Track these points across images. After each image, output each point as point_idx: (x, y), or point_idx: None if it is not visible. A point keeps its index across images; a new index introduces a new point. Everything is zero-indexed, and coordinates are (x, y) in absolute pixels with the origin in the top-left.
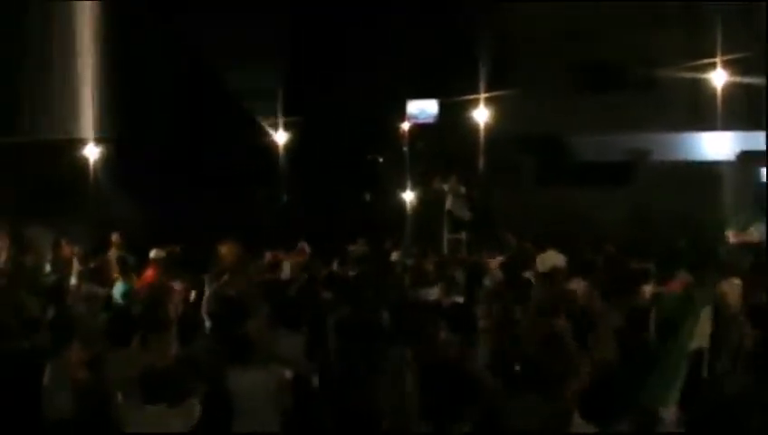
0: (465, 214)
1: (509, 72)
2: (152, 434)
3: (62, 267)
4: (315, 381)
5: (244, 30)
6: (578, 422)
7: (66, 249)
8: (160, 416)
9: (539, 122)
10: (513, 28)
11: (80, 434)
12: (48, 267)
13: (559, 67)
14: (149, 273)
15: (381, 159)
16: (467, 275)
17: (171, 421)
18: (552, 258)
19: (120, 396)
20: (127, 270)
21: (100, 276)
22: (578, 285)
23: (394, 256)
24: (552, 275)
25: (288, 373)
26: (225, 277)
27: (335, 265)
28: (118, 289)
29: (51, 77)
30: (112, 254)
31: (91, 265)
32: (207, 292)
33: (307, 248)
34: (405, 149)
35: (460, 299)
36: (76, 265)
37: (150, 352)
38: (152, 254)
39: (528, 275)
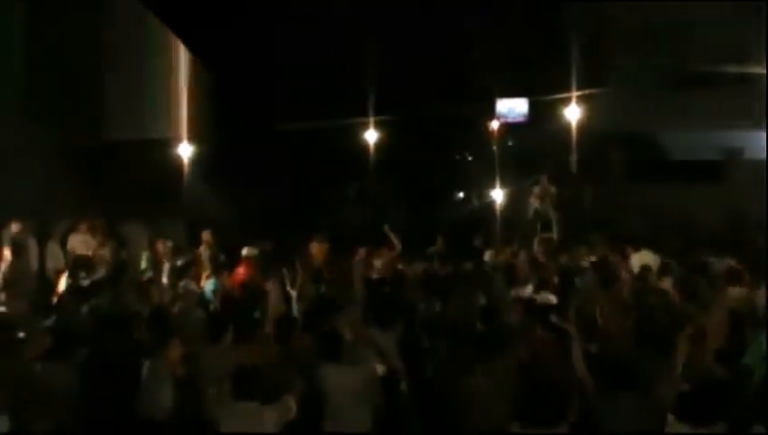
0: (555, 214)
1: (600, 70)
2: (246, 431)
3: (158, 265)
4: (407, 379)
5: (334, 31)
6: (672, 422)
7: (160, 247)
8: (254, 413)
9: (630, 120)
10: (603, 26)
11: (177, 431)
12: (144, 264)
13: (650, 65)
14: (241, 270)
15: (470, 158)
16: (559, 274)
17: (265, 418)
18: (645, 258)
19: (214, 393)
20: (218, 268)
21: (191, 273)
22: (667, 285)
23: (486, 254)
24: (643, 275)
25: (380, 371)
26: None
27: (425, 264)
28: (209, 286)
29: (144, 77)
30: (203, 251)
31: (183, 262)
32: (299, 289)
33: (398, 246)
34: (494, 147)
35: (552, 298)
36: (168, 263)
37: (244, 349)
38: (244, 252)
39: (620, 274)
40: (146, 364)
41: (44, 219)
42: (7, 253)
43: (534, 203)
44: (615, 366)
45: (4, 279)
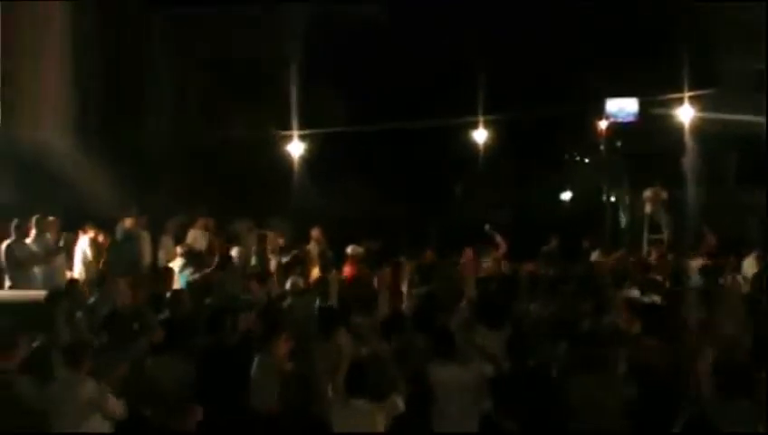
0: (666, 217)
1: (711, 69)
2: (357, 429)
3: (266, 260)
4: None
5: (443, 29)
6: None
7: (271, 242)
8: (364, 410)
9: (742, 121)
10: (713, 26)
11: (285, 426)
12: (253, 260)
13: (763, 65)
14: (348, 268)
15: (579, 158)
16: (669, 276)
17: (374, 415)
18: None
19: (326, 389)
20: (327, 264)
21: (300, 270)
22: None
23: (594, 255)
24: (756, 280)
25: (488, 371)
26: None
27: (533, 264)
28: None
29: (256, 75)
30: (312, 248)
31: (290, 258)
32: (407, 288)
33: (503, 245)
34: (602, 148)
35: (659, 300)
36: (276, 259)
37: (354, 345)
38: (349, 250)
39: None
40: (255, 359)
41: (158, 214)
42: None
43: (646, 205)
44: (731, 372)
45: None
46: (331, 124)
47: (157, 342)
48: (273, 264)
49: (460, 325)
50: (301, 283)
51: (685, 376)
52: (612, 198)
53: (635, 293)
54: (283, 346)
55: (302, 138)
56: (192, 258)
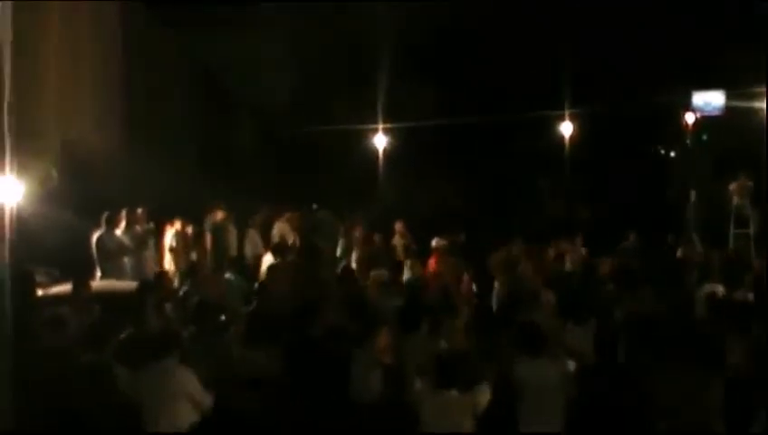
0: (753, 211)
1: None
2: (446, 418)
3: (350, 253)
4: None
5: (530, 22)
6: None
7: (358, 233)
8: (454, 401)
9: None
10: None
11: (384, 417)
12: (339, 252)
13: None
14: (432, 261)
15: (664, 152)
16: (757, 273)
17: (462, 406)
18: None
19: (416, 381)
20: (411, 257)
21: (384, 261)
22: None
23: (679, 251)
24: None
25: (574, 366)
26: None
27: (617, 258)
28: (404, 275)
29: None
30: (397, 241)
31: (374, 250)
32: (496, 283)
33: (581, 241)
34: (688, 141)
35: (750, 297)
36: (360, 251)
37: (441, 337)
38: (434, 243)
39: None
40: (356, 352)
41: (245, 207)
42: (209, 239)
43: (732, 198)
44: None
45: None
46: (417, 118)
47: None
48: (354, 256)
49: (548, 319)
50: (385, 274)
51: None
52: (699, 193)
53: (719, 289)
54: (383, 339)
55: (388, 131)
56: (279, 251)
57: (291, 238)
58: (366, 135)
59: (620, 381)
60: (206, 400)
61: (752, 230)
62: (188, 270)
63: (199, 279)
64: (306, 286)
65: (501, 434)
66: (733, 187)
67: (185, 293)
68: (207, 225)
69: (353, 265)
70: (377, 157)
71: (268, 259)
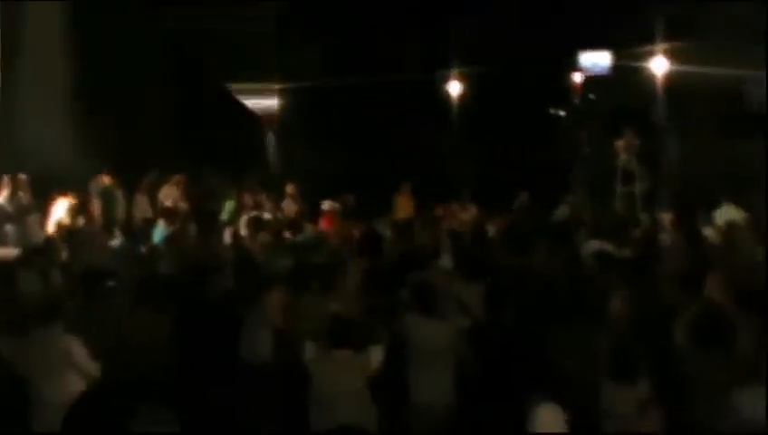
0: (639, 168)
1: (686, 22)
2: (339, 378)
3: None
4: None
5: None
6: None
7: (246, 198)
8: (344, 361)
9: (717, 74)
10: None
11: (276, 377)
12: (226, 216)
13: (738, 17)
14: (323, 223)
15: (553, 111)
16: (642, 230)
17: (354, 367)
18: (729, 214)
19: (308, 341)
20: (303, 219)
21: (275, 224)
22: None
23: (567, 208)
24: (728, 232)
25: (467, 323)
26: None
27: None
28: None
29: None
30: (288, 204)
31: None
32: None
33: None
34: (576, 101)
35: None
36: (249, 214)
37: (332, 298)
38: (325, 206)
39: (706, 230)
40: (246, 314)
41: (133, 172)
42: (97, 204)
43: (619, 156)
44: (706, 323)
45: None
46: (307, 78)
47: (133, 298)
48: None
49: (438, 280)
50: (272, 239)
51: (661, 328)
52: (585, 152)
53: (606, 246)
54: (274, 301)
55: (278, 92)
56: (170, 216)
57: (179, 202)
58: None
59: (511, 339)
60: (94, 369)
61: (638, 187)
62: (74, 236)
63: (86, 245)
64: (197, 251)
65: (394, 394)
66: (619, 144)
67: (71, 259)
68: (93, 190)
69: (244, 228)
70: (267, 119)
71: (160, 225)
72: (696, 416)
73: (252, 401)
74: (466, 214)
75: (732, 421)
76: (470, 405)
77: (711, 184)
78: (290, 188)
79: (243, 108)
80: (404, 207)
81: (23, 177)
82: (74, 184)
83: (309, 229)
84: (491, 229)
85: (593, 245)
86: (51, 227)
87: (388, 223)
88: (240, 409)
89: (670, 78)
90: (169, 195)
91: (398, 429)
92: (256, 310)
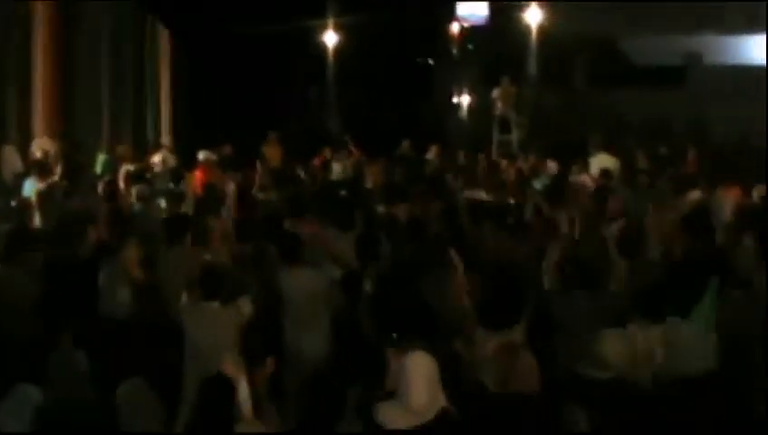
0: (516, 117)
1: None
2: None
3: (116, 168)
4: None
5: None
6: None
7: (120, 150)
8: (215, 313)
9: (592, 24)
10: None
11: (137, 333)
12: (100, 168)
13: None
14: (199, 174)
15: (432, 62)
16: (517, 177)
17: (225, 318)
18: (603, 162)
19: (177, 294)
20: (179, 170)
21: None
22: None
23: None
24: (602, 179)
25: (338, 273)
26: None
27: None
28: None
29: None
30: (164, 155)
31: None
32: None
33: (356, 153)
34: (454, 51)
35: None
36: (126, 166)
37: (205, 250)
38: (201, 156)
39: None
40: (103, 266)
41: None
42: None
43: (495, 105)
44: (574, 266)
45: None
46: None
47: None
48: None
49: (312, 228)
50: (147, 191)
51: (532, 272)
52: (463, 102)
53: (482, 194)
54: (130, 252)
55: None
56: (41, 170)
57: (51, 155)
58: None
59: (384, 287)
60: None
61: (515, 136)
62: None
63: None
64: (69, 205)
65: (269, 345)
66: (496, 93)
67: None
68: None
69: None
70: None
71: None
72: (563, 361)
73: (110, 358)
74: (340, 164)
75: (595, 365)
76: (344, 354)
77: (585, 132)
78: (166, 140)
79: None
80: (272, 156)
81: None
82: None
83: (188, 180)
84: (369, 179)
85: (468, 193)
86: None
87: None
88: (98, 365)
89: (545, 28)
90: (41, 147)
91: (272, 379)
92: (114, 263)
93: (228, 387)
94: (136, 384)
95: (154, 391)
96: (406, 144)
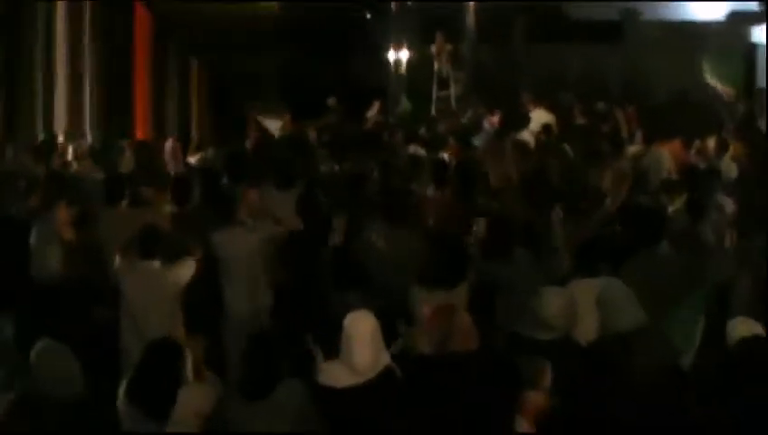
0: (453, 72)
1: None
2: (147, 290)
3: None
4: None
5: None
6: None
7: None
8: (156, 273)
9: None
10: None
11: (69, 294)
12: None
13: None
14: (140, 133)
15: (369, 16)
16: (456, 133)
17: (167, 278)
18: (540, 117)
19: (115, 253)
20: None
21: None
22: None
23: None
24: (542, 134)
25: (279, 231)
26: None
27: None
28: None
29: None
30: None
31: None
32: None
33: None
34: (393, 6)
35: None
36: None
37: (144, 210)
38: None
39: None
40: (34, 227)
41: None
42: None
43: (433, 60)
44: (511, 224)
45: None
46: None
47: None
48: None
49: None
50: (86, 148)
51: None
52: (400, 58)
53: (420, 150)
54: (63, 213)
55: None
56: None
57: None
58: None
59: (322, 245)
60: None
61: (452, 91)
62: None
63: None
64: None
65: (207, 307)
66: (432, 49)
67: None
68: None
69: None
70: None
71: None
72: (501, 320)
73: (36, 320)
74: (278, 124)
75: (536, 325)
76: (283, 313)
77: (523, 88)
78: None
79: None
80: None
81: None
82: None
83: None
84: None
85: (410, 148)
86: None
87: None
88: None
89: None
90: None
91: (211, 341)
92: (45, 225)
93: (177, 351)
94: (48, 345)
95: (83, 352)
96: (332, 101)
